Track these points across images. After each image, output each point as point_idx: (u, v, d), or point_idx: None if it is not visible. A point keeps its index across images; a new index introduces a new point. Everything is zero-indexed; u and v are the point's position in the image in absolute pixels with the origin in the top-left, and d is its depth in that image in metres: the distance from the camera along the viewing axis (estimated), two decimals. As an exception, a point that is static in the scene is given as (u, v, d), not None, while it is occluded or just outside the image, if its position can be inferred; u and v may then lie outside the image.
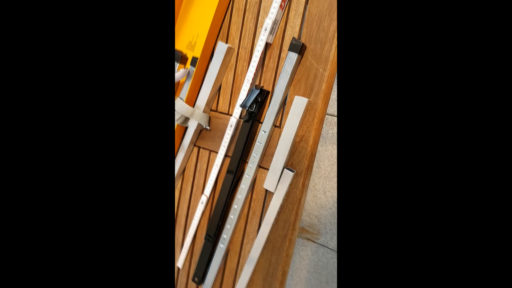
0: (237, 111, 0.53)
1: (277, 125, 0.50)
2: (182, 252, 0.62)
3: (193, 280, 0.60)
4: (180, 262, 0.63)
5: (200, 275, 0.59)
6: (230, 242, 0.56)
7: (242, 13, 0.53)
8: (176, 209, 0.63)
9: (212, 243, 0.56)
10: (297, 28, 0.48)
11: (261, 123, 0.50)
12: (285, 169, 0.48)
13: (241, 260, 0.56)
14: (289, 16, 0.48)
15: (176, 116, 0.56)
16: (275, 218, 0.50)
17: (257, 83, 0.51)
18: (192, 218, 0.60)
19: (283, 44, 0.49)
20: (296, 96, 0.47)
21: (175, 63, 0.57)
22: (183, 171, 0.61)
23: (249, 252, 0.53)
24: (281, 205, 0.49)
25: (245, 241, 0.55)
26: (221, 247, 0.55)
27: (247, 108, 0.48)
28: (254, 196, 0.53)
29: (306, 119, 0.47)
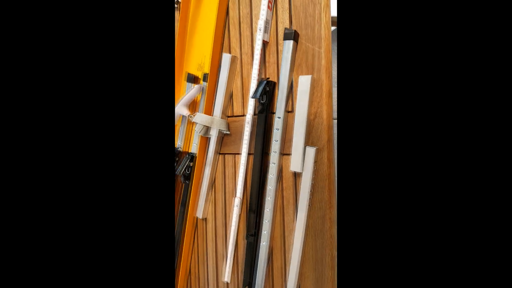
0: (250, 107, 0.56)
1: (290, 110, 0.52)
2: (227, 265, 0.61)
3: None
4: (227, 276, 0.61)
5: (249, 281, 0.56)
6: (272, 238, 0.54)
7: (238, 26, 0.59)
8: (214, 222, 0.63)
9: (254, 241, 0.55)
10: (287, 21, 0.52)
11: (274, 113, 0.52)
12: (306, 147, 0.49)
13: (286, 255, 0.53)
14: (278, 13, 0.53)
15: (198, 128, 0.60)
16: (309, 200, 0.49)
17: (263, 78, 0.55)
18: (229, 225, 0.60)
19: (278, 38, 0.53)
20: (300, 76, 0.49)
21: (189, 84, 0.63)
22: (213, 182, 0.63)
23: (292, 244, 0.52)
24: (312, 184, 0.49)
25: (286, 233, 0.53)
26: (264, 245, 0.54)
27: (258, 98, 0.51)
28: (284, 184, 0.53)
29: (315, 96, 0.49)
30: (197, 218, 0.65)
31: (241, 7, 0.58)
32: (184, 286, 0.68)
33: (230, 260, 0.60)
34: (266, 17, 0.53)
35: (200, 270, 0.66)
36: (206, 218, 0.65)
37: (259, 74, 0.55)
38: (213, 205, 0.63)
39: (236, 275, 0.61)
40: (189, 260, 0.68)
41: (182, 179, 0.64)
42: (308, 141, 0.49)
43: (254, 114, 0.55)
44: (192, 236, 0.67)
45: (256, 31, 0.55)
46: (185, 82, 0.64)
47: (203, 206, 0.63)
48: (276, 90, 0.53)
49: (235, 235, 0.59)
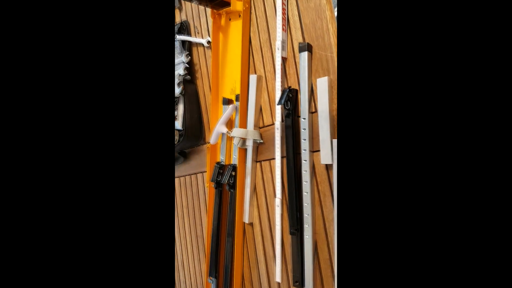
0: (278, 115, 0.62)
1: (313, 111, 0.57)
2: (276, 265, 0.64)
3: (294, 285, 0.59)
4: (278, 276, 0.64)
5: (299, 276, 0.58)
6: (314, 231, 0.57)
7: (260, 50, 0.68)
8: (260, 225, 0.68)
9: (298, 236, 0.58)
10: (300, 37, 0.60)
11: (300, 116, 0.58)
12: (333, 140, 0.53)
13: (330, 246, 0.56)
14: (292, 32, 0.62)
15: (236, 141, 0.67)
16: (343, 188, 0.52)
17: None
18: (274, 226, 0.64)
19: (295, 52, 0.61)
20: (317, 79, 0.55)
21: (225, 106, 0.72)
22: (255, 188, 0.69)
23: (334, 234, 0.54)
24: (343, 173, 0.52)
25: (327, 225, 0.56)
26: (307, 239, 0.57)
27: (283, 104, 0.57)
28: (318, 179, 0.57)
29: (333, 94, 0.54)
30: (244, 223, 0.71)
31: (260, 34, 0.68)
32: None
33: (279, 259, 0.63)
34: (282, 37, 0.61)
35: (253, 274, 0.70)
36: (252, 223, 0.69)
37: (282, 85, 0.62)
38: (258, 209, 0.68)
39: (286, 274, 0.63)
40: (243, 265, 0.72)
41: (227, 188, 0.71)
42: (333, 135, 0.54)
43: (282, 120, 0.62)
44: (243, 241, 0.71)
45: (275, 51, 0.63)
46: (222, 105, 0.74)
47: (248, 211, 0.68)
48: (299, 96, 0.59)
49: (281, 234, 0.63)
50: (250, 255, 0.70)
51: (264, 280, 0.67)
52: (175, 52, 0.85)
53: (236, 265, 0.70)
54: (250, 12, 0.70)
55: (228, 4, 0.70)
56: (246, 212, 0.69)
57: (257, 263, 0.69)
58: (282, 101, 0.57)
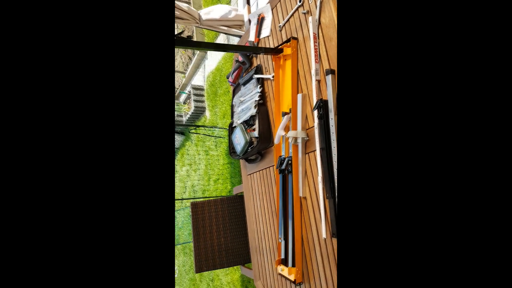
0: (315, 118, 0.87)
1: (336, 114, 0.80)
2: (322, 225, 0.85)
3: (333, 237, 0.80)
4: (324, 233, 0.85)
5: (335, 230, 0.79)
6: (343, 196, 0.78)
7: (304, 77, 0.95)
8: (310, 198, 0.91)
9: (332, 200, 0.79)
10: (327, 65, 0.85)
11: (329, 117, 0.81)
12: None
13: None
14: (322, 63, 0.87)
15: (290, 140, 0.95)
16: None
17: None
18: (319, 197, 0.87)
19: (325, 76, 0.86)
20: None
21: (284, 117, 1.01)
22: (305, 172, 0.93)
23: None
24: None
25: (351, 191, 0.76)
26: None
27: (317, 110, 0.82)
28: (344, 159, 0.78)
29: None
30: (300, 197, 0.95)
31: (304, 68, 0.96)
32: (301, 248, 0.94)
33: (324, 220, 0.85)
34: (316, 67, 0.87)
35: (308, 234, 0.92)
36: (305, 197, 0.93)
37: (317, 97, 0.87)
38: (308, 186, 0.92)
39: (329, 231, 0.84)
40: (301, 228, 0.95)
41: (286, 172, 0.98)
42: (350, 127, 0.75)
43: (319, 119, 0.86)
44: (300, 210, 0.96)
45: (312, 76, 0.89)
46: (281, 117, 1.03)
47: (302, 188, 0.93)
48: (328, 104, 0.83)
49: (323, 202, 0.85)
50: (305, 220, 0.94)
51: (316, 237, 0.89)
52: (252, 86, 1.21)
53: (296, 228, 0.95)
54: (297, 53, 0.99)
55: (282, 51, 1.01)
56: (300, 188, 0.94)
57: (310, 225, 0.91)
58: (315, 108, 0.82)
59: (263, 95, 1.18)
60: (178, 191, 4.70)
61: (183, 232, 4.42)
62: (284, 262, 0.99)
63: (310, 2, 0.92)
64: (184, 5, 1.99)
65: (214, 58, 3.88)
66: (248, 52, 1.26)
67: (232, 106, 1.36)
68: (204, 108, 4.09)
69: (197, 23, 2.06)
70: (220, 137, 3.50)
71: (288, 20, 1.04)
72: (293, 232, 0.96)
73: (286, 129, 1.00)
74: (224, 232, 1.64)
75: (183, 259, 4.35)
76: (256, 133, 1.15)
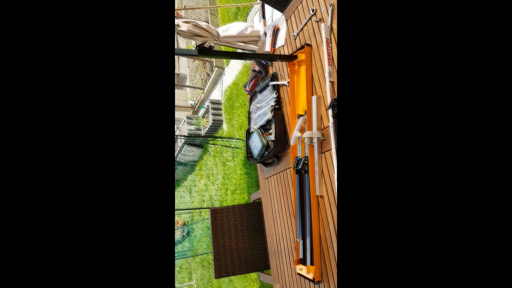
0: (330, 117, 0.90)
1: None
2: (340, 222, 0.86)
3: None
4: (341, 230, 0.85)
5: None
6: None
7: (318, 80, 0.99)
8: (327, 196, 0.92)
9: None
10: (340, 67, 0.88)
11: (344, 116, 0.84)
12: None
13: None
14: (335, 65, 0.91)
15: (306, 140, 0.97)
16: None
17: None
18: (335, 195, 0.88)
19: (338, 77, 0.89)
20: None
21: (299, 119, 1.05)
22: (322, 171, 0.95)
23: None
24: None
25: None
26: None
27: (331, 109, 0.85)
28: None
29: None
30: (317, 196, 0.96)
31: (318, 71, 1.00)
32: (319, 246, 0.95)
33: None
34: (329, 69, 0.91)
35: (326, 233, 0.93)
36: (322, 195, 0.95)
37: (331, 98, 0.90)
38: (325, 185, 0.94)
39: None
40: (318, 227, 0.96)
41: (303, 172, 1.00)
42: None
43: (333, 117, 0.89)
44: (317, 209, 0.97)
45: (326, 78, 0.93)
46: (297, 119, 1.06)
47: (319, 187, 0.94)
48: (342, 104, 0.86)
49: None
50: (322, 218, 0.94)
51: (333, 235, 0.89)
52: (268, 92, 1.26)
53: (314, 226, 0.95)
54: (311, 58, 1.03)
55: (297, 57, 1.06)
56: (317, 187, 0.95)
57: (328, 223, 0.92)
58: (330, 107, 0.85)
59: (279, 100, 1.23)
60: (197, 204, 4.76)
61: (201, 245, 4.43)
62: (303, 261, 0.99)
63: (322, 10, 0.98)
64: (203, 24, 2.13)
65: (231, 74, 4.02)
66: (264, 61, 1.32)
67: (249, 113, 1.41)
68: (222, 121, 4.20)
69: (216, 40, 2.18)
70: (237, 147, 3.57)
71: (302, 29, 1.09)
72: (310, 231, 0.96)
73: (302, 130, 1.03)
74: (243, 238, 1.65)
75: (202, 272, 4.33)
76: (272, 137, 1.19)
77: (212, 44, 1.81)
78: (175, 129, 5.24)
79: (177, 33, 1.96)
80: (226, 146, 3.82)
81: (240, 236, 1.65)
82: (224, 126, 4.13)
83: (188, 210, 5.09)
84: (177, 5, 6.13)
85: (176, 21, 1.95)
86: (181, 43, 5.59)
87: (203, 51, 0.88)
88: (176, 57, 5.82)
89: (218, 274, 1.58)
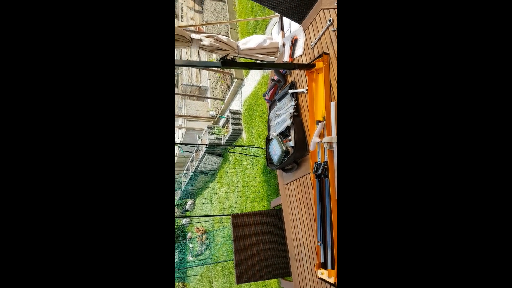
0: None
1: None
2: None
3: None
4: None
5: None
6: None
7: (336, 86, 1.01)
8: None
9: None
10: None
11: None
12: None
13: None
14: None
15: (325, 145, 0.99)
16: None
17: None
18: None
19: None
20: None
21: (318, 125, 1.07)
22: (342, 175, 0.96)
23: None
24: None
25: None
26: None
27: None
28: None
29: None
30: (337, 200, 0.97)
31: (336, 78, 1.02)
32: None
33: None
34: (346, 76, 0.93)
35: (346, 237, 0.93)
36: (342, 199, 0.95)
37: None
38: (344, 189, 0.94)
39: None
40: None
41: (323, 177, 1.01)
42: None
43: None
44: (336, 211, 0.97)
45: (344, 85, 0.95)
46: (316, 125, 1.09)
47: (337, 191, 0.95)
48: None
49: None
50: (343, 223, 0.95)
51: (354, 239, 0.89)
52: (287, 100, 1.30)
53: (334, 230, 0.96)
54: (329, 66, 1.06)
55: (315, 65, 1.10)
56: (337, 191, 0.96)
57: (348, 228, 0.92)
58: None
59: (297, 107, 1.26)
60: (217, 212, 4.82)
61: (222, 253, 4.46)
62: (324, 265, 0.99)
63: (338, 20, 1.01)
64: (224, 38, 2.23)
65: (250, 85, 4.12)
66: (283, 70, 1.36)
67: (268, 121, 1.45)
68: (241, 130, 4.28)
69: (236, 52, 2.27)
70: (256, 155, 3.61)
71: (319, 38, 1.13)
72: (331, 234, 0.97)
73: (321, 136, 1.05)
74: (264, 244, 1.67)
75: (222, 281, 4.34)
76: (291, 143, 1.21)
77: (234, 56, 1.89)
78: (197, 139, 5.40)
79: (200, 47, 2.06)
80: (246, 154, 3.88)
81: (261, 242, 1.67)
82: (244, 135, 4.21)
83: (209, 218, 5.15)
84: (198, 21, 6.42)
85: (199, 36, 2.06)
86: (203, 56, 5.82)
87: (226, 63, 0.94)
88: (198, 70, 6.05)
89: (240, 280, 1.59)
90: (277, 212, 1.72)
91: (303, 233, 1.20)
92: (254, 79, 3.99)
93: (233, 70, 4.37)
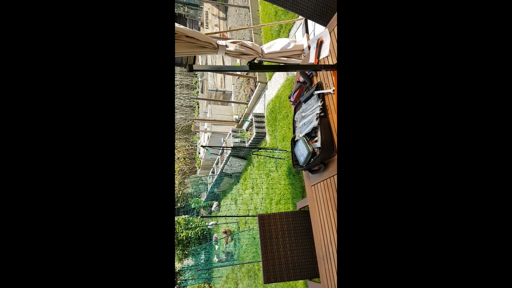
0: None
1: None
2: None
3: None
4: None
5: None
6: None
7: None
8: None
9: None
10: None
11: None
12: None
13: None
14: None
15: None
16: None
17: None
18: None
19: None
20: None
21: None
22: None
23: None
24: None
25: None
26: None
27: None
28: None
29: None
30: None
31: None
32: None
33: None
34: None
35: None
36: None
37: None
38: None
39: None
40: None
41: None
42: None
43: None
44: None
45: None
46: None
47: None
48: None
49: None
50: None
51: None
52: (313, 101, 1.31)
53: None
54: (355, 66, 1.06)
55: (341, 66, 1.10)
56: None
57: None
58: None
59: (324, 108, 1.26)
60: (242, 213, 4.87)
61: (248, 255, 4.49)
62: (354, 266, 0.98)
63: (365, 20, 1.01)
64: (248, 43, 2.28)
65: (273, 88, 4.15)
66: (309, 72, 1.38)
67: (293, 122, 1.47)
68: (265, 133, 4.31)
69: (260, 56, 2.32)
70: (280, 158, 3.61)
71: (345, 39, 1.13)
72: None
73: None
74: (290, 245, 1.67)
75: (248, 282, 4.37)
76: (318, 144, 1.22)
77: (261, 60, 1.93)
78: (222, 142, 5.51)
79: (226, 53, 2.13)
80: (270, 156, 3.90)
81: (287, 242, 1.67)
82: (267, 138, 4.23)
83: (235, 219, 5.22)
84: (223, 27, 6.60)
85: (224, 42, 2.13)
86: (227, 62, 5.96)
87: (253, 67, 0.98)
88: (222, 76, 6.21)
89: (267, 279, 1.61)
90: (304, 214, 1.72)
91: (331, 234, 1.20)
92: (278, 82, 4.01)
93: (257, 74, 4.43)
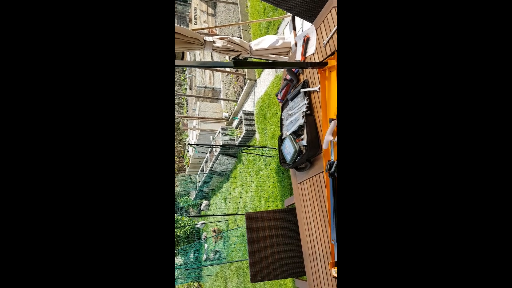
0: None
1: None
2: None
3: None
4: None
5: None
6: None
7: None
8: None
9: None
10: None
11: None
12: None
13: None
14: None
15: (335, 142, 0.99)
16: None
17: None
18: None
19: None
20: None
21: (331, 123, 1.06)
22: (355, 173, 0.95)
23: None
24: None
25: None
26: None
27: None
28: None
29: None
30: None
31: (348, 75, 1.02)
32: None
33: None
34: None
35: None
36: (356, 198, 0.94)
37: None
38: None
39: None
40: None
41: (336, 174, 1.01)
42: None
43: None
44: (351, 212, 0.96)
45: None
46: (329, 123, 1.08)
47: (352, 188, 0.95)
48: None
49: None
50: (357, 221, 0.94)
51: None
52: (299, 99, 1.30)
53: (348, 229, 0.95)
54: (341, 64, 1.06)
55: (327, 63, 1.09)
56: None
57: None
58: (361, 110, 0.86)
59: (310, 106, 1.26)
60: (231, 212, 4.86)
61: (237, 253, 4.49)
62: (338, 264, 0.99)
63: (351, 17, 1.01)
64: (237, 39, 2.25)
65: (262, 85, 4.13)
66: (295, 69, 1.37)
67: (281, 120, 1.46)
68: (254, 131, 4.30)
69: (248, 53, 2.29)
70: (270, 156, 3.61)
71: (331, 36, 1.13)
72: (345, 233, 0.96)
73: (334, 134, 1.05)
74: (278, 243, 1.67)
75: (237, 281, 4.37)
76: (304, 142, 1.21)
77: (246, 56, 1.91)
78: (211, 140, 5.47)
79: (213, 49, 2.10)
80: (259, 154, 3.89)
81: (275, 241, 1.67)
82: (257, 135, 4.22)
83: (224, 217, 5.20)
84: (211, 23, 6.52)
85: (212, 38, 2.10)
86: (216, 58, 5.90)
87: (238, 63, 0.96)
88: (211, 72, 6.14)
89: (254, 278, 1.60)
90: (291, 211, 1.72)
91: (317, 231, 1.20)
92: (267, 79, 4.00)
93: (246, 71, 4.40)
